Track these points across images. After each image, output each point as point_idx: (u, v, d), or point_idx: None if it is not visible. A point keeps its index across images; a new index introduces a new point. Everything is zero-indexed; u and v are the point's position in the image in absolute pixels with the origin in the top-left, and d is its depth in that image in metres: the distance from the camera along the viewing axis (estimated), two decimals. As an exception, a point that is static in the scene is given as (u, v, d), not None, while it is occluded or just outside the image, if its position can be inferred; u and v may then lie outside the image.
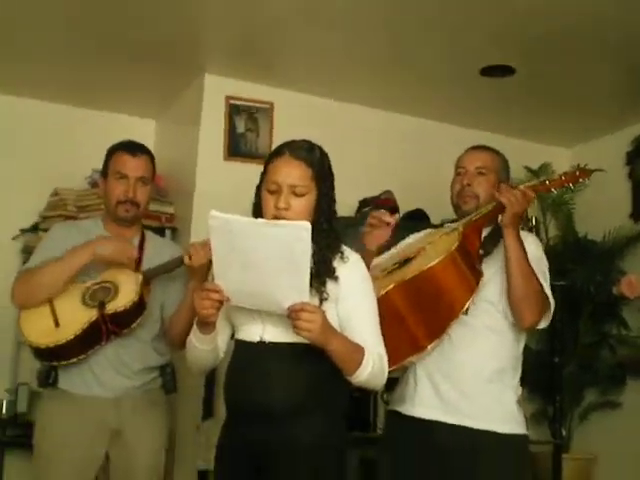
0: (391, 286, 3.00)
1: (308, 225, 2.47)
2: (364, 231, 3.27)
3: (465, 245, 3.08)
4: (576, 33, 4.52)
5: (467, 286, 3.03)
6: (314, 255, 2.63)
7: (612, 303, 5.65)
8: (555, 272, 3.40)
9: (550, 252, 3.92)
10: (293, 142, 2.80)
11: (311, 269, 2.56)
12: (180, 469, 4.95)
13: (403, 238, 3.49)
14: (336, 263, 2.76)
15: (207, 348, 2.82)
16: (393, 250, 3.42)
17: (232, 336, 2.93)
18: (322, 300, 2.69)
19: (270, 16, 4.54)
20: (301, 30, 4.71)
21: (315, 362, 2.66)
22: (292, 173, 2.72)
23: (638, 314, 5.59)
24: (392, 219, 3.27)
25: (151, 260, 3.57)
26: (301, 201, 2.72)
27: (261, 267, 2.54)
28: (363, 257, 2.92)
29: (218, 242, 2.58)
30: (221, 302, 2.63)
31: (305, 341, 2.59)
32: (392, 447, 3.30)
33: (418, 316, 2.99)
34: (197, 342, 2.81)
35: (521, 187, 3.16)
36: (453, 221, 3.34)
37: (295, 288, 2.54)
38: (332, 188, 2.83)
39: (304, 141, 2.81)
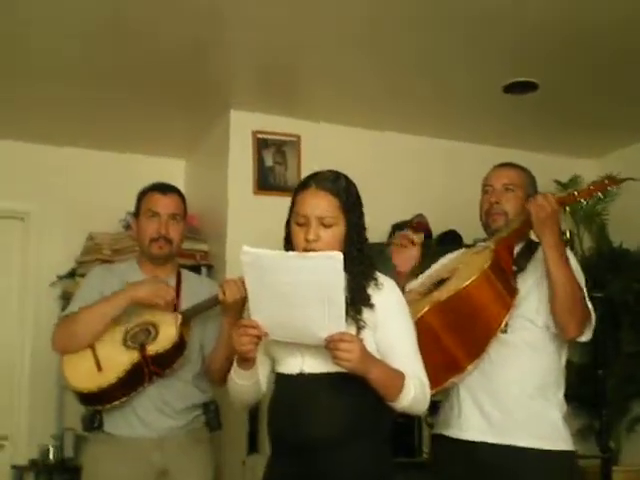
0: (426, 308, 3.00)
1: (339, 255, 2.48)
2: (392, 251, 3.27)
3: (498, 262, 3.08)
4: (597, 43, 4.50)
5: (503, 303, 3.03)
6: (348, 284, 2.64)
7: (652, 312, 5.60)
8: (592, 284, 3.38)
9: (586, 264, 3.90)
10: (318, 173, 2.81)
11: (346, 298, 2.56)
12: (228, 505, 4.96)
13: (436, 261, 3.49)
14: (371, 290, 2.76)
15: (248, 383, 2.83)
16: (427, 273, 3.43)
17: (272, 370, 2.94)
18: (359, 328, 2.68)
19: (292, 49, 4.58)
20: (324, 61, 4.74)
21: (357, 391, 2.65)
22: (319, 205, 2.73)
23: (679, 321, 5.54)
24: (416, 237, 3.27)
25: (189, 299, 3.58)
26: (330, 232, 2.72)
27: (296, 300, 2.55)
28: (397, 282, 2.92)
29: (252, 277, 2.60)
30: (259, 337, 2.64)
31: (345, 370, 2.61)
32: (440, 470, 3.30)
33: (456, 337, 2.99)
34: (238, 378, 2.82)
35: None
36: (485, 240, 3.34)
37: (331, 318, 2.54)
38: (361, 216, 2.84)
39: (329, 171, 2.82)
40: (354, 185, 2.83)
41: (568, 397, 3.27)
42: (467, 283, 3.01)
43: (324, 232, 2.71)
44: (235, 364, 2.79)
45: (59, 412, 5.58)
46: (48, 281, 5.74)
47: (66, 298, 5.29)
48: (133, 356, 3.39)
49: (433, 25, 4.29)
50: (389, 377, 2.66)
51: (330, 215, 2.72)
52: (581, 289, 3.09)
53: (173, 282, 3.66)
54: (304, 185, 2.80)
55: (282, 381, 2.82)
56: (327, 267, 2.48)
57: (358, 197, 2.83)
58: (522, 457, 3.07)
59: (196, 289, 3.65)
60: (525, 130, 5.77)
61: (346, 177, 2.82)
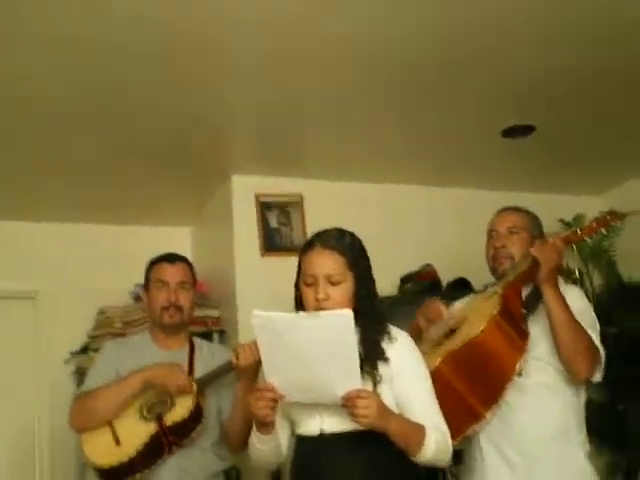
0: (439, 360, 3.00)
1: (349, 312, 2.49)
2: (419, 322, 3.25)
3: (507, 307, 3.08)
4: (592, 84, 4.53)
5: (515, 348, 3.02)
6: (361, 339, 2.65)
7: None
8: (605, 320, 3.38)
9: (597, 301, 3.90)
10: (322, 232, 2.84)
11: (360, 354, 2.57)
12: None
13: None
14: (385, 344, 2.76)
15: (269, 447, 2.82)
16: (439, 322, 3.42)
17: (293, 432, 2.92)
18: (375, 383, 2.68)
19: (289, 110, 4.59)
20: (319, 119, 4.77)
21: (378, 447, 2.65)
22: (325, 264, 2.75)
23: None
24: (446, 311, 3.25)
25: (203, 367, 3.58)
26: (339, 289, 2.74)
27: (310, 360, 2.55)
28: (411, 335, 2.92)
29: (264, 340, 2.60)
30: (276, 400, 2.64)
31: (365, 428, 2.59)
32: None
33: (471, 385, 2.99)
34: (258, 443, 2.81)
35: (550, 240, 3.15)
36: (493, 285, 3.34)
37: (346, 376, 2.54)
38: (369, 270, 2.85)
39: (333, 229, 2.85)
40: (359, 240, 2.85)
41: (590, 434, 3.24)
42: (478, 331, 3.01)
43: (333, 290, 2.73)
44: (255, 429, 2.78)
45: (80, 490, 5.53)
46: (62, 358, 5.73)
47: (80, 373, 5.29)
48: (151, 428, 3.39)
49: (433, 71, 4.29)
50: (409, 430, 2.66)
51: (337, 272, 2.74)
52: (585, 330, 3.09)
53: (186, 351, 3.66)
54: (309, 245, 2.82)
55: (302, 443, 2.82)
56: (338, 325, 2.49)
57: (364, 251, 2.85)
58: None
59: (209, 356, 3.66)
60: (526, 172, 5.79)
61: (351, 233, 2.85)
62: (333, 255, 2.76)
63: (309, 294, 2.76)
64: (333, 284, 2.74)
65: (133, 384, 3.44)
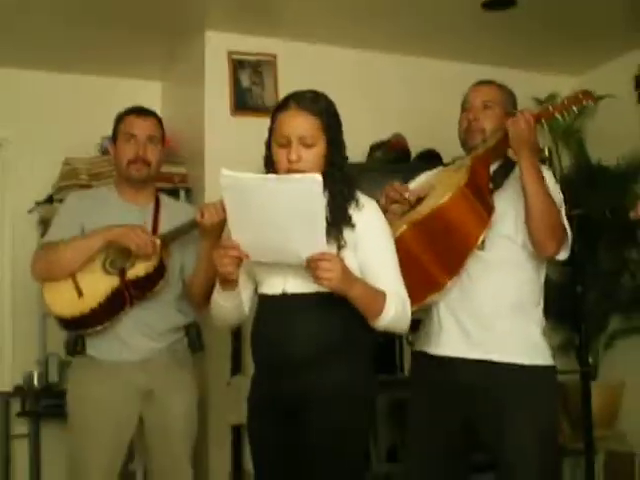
0: (404, 227, 3.01)
1: (319, 177, 2.49)
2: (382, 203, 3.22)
3: (475, 180, 3.08)
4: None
5: (480, 220, 3.03)
6: (329, 204, 2.66)
7: (630, 228, 5.61)
8: (570, 202, 3.39)
9: (564, 181, 3.91)
10: (297, 93, 2.81)
11: (327, 218, 2.59)
12: (213, 425, 5.02)
13: (414, 178, 3.49)
14: (352, 210, 2.78)
15: (231, 305, 2.85)
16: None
17: (255, 291, 2.95)
18: (340, 248, 2.71)
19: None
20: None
21: (339, 310, 2.69)
22: (300, 125, 2.73)
23: (657, 237, 5.57)
24: (410, 194, 3.23)
25: (168, 223, 3.58)
26: (311, 151, 2.73)
27: (276, 221, 2.56)
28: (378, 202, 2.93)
29: (231, 200, 2.60)
30: (240, 259, 2.65)
31: (327, 290, 2.62)
32: (420, 386, 3.34)
33: (434, 254, 3.01)
34: (221, 300, 2.83)
35: (521, 113, 3.12)
36: (462, 158, 3.33)
37: (312, 239, 2.56)
38: (341, 135, 2.85)
39: (309, 91, 2.82)
40: (333, 104, 2.84)
41: (547, 313, 3.30)
42: (443, 201, 3.01)
43: (305, 152, 2.72)
44: (218, 286, 2.81)
45: (42, 338, 5.57)
46: (26, 207, 5.70)
47: (44, 223, 5.27)
48: (113, 281, 3.42)
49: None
50: (370, 295, 2.70)
51: (311, 135, 2.73)
52: (557, 208, 3.10)
53: (151, 207, 3.67)
54: (284, 105, 2.80)
55: (265, 302, 2.85)
56: (306, 189, 2.49)
57: (337, 116, 2.84)
58: (501, 372, 3.11)
59: (175, 214, 3.66)
60: (504, 47, 5.72)
61: (326, 96, 2.84)
62: (308, 117, 2.74)
63: (281, 155, 2.75)
64: (306, 146, 2.73)
65: (96, 242, 3.45)
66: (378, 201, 3.00)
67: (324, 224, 2.55)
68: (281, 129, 2.75)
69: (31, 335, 5.61)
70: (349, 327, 2.75)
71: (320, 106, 2.77)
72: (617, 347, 5.77)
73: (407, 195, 3.19)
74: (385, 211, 3.02)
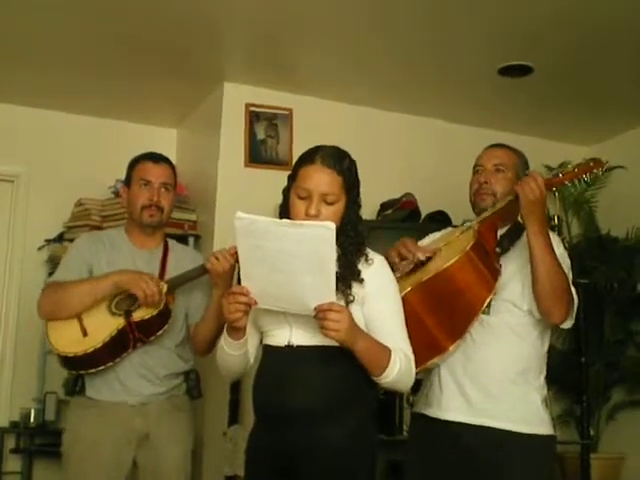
0: (408, 289, 2.99)
1: (332, 225, 2.49)
2: (390, 257, 3.21)
3: (481, 243, 3.07)
4: (594, 33, 4.52)
5: (485, 284, 3.02)
6: (339, 259, 2.66)
7: (636, 300, 5.61)
8: (578, 271, 3.39)
9: (573, 251, 3.92)
10: (324, 148, 2.81)
11: (336, 273, 2.58)
12: (208, 475, 4.99)
13: (421, 239, 3.49)
14: (361, 265, 2.78)
15: (238, 353, 2.83)
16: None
17: (261, 342, 2.94)
18: (348, 302, 2.70)
19: (287, 21, 4.56)
20: (317, 36, 4.74)
21: (343, 364, 2.68)
22: (324, 182, 2.73)
23: (664, 311, 5.56)
24: (421, 254, 3.21)
25: (175, 269, 3.60)
26: (331, 209, 2.74)
27: (287, 268, 2.55)
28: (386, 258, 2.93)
29: (244, 243, 2.60)
30: (249, 305, 2.65)
31: (332, 344, 2.62)
32: (418, 449, 3.30)
33: (438, 317, 2.99)
34: (228, 348, 2.82)
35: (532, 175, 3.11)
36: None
37: (321, 288, 2.55)
38: (359, 194, 2.86)
39: (334, 148, 2.83)
40: (355, 164, 2.85)
41: (550, 382, 3.28)
42: (449, 264, 3.00)
43: (325, 209, 2.73)
44: (225, 333, 2.80)
45: (41, 376, 5.58)
46: (36, 245, 5.73)
47: (53, 262, 5.30)
48: (118, 322, 3.43)
49: (433, 4, 4.26)
50: (376, 350, 2.68)
51: (333, 193, 2.74)
52: (565, 275, 3.09)
53: (160, 252, 3.68)
54: (310, 159, 2.79)
55: (269, 353, 2.83)
56: (320, 236, 2.49)
57: (357, 176, 2.85)
58: (500, 440, 3.08)
59: (182, 259, 3.68)
60: (519, 113, 5.78)
61: (349, 155, 2.84)
62: (332, 175, 2.74)
63: (300, 207, 2.75)
64: (327, 203, 2.73)
65: (105, 286, 3.45)
66: (387, 256, 3.00)
67: (334, 274, 2.55)
68: (304, 182, 2.75)
69: (31, 372, 5.62)
70: (353, 382, 2.73)
71: (344, 165, 2.78)
72: (619, 420, 5.73)
73: (419, 255, 3.18)
74: (392, 265, 3.01)
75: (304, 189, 2.75)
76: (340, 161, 2.78)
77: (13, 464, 5.53)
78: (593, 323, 5.58)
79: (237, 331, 2.75)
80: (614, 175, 4.67)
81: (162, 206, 3.64)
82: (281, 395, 2.73)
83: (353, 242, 2.78)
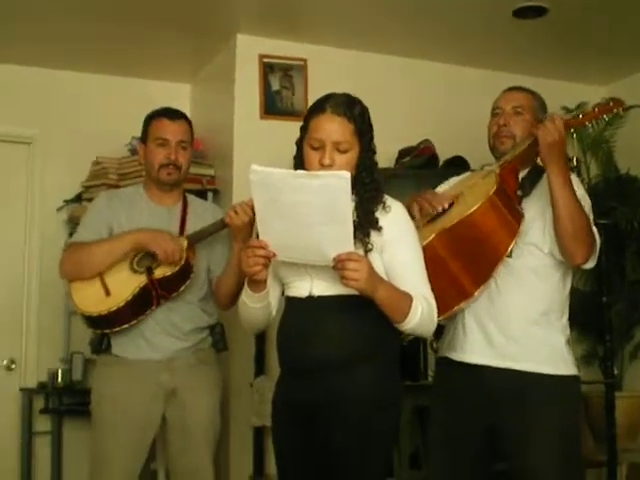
0: (432, 236, 2.99)
1: (347, 174, 2.48)
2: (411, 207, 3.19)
3: (504, 188, 3.07)
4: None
5: (509, 229, 3.02)
6: (357, 207, 2.66)
7: (657, 239, 5.60)
8: (598, 211, 3.37)
9: (592, 191, 3.89)
10: (333, 96, 2.80)
11: (354, 221, 2.58)
12: (235, 427, 5.03)
13: (442, 184, 3.48)
14: (379, 213, 2.78)
15: (259, 306, 2.85)
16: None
17: (282, 294, 2.95)
18: (367, 251, 2.71)
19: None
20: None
21: (365, 313, 2.70)
22: (335, 130, 2.73)
23: (685, 248, 5.54)
24: (445, 205, 3.20)
25: (195, 224, 3.61)
26: (344, 157, 2.74)
27: (304, 219, 2.55)
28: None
29: (260, 197, 2.60)
30: (268, 258, 2.65)
31: (354, 293, 2.63)
32: (443, 393, 3.33)
33: (462, 263, 3.00)
34: (249, 301, 2.83)
35: (550, 117, 3.09)
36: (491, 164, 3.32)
37: (340, 238, 2.55)
38: (372, 141, 2.85)
39: (344, 95, 2.82)
40: (367, 110, 2.84)
41: (572, 323, 3.29)
42: (473, 210, 3.00)
43: (339, 157, 2.73)
44: (246, 287, 2.81)
45: (67, 336, 5.62)
46: (55, 206, 5.74)
47: (73, 222, 5.31)
48: (140, 280, 3.45)
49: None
50: (397, 298, 2.69)
51: (345, 140, 2.74)
52: (587, 216, 3.08)
53: (179, 208, 3.69)
54: (320, 108, 2.79)
55: (291, 304, 2.85)
56: (336, 186, 2.49)
57: (370, 122, 2.84)
58: (525, 381, 3.10)
59: (202, 214, 3.69)
60: (534, 55, 5.71)
61: (360, 102, 2.83)
62: (343, 122, 2.74)
63: (314, 157, 2.75)
64: (340, 151, 2.73)
65: (125, 245, 3.49)
66: (407, 208, 2.99)
67: (352, 223, 2.55)
68: (316, 132, 2.75)
69: (57, 333, 5.65)
70: (376, 329, 2.74)
71: (355, 111, 2.77)
72: (642, 358, 5.74)
73: (440, 209, 3.18)
74: (412, 217, 3.01)
75: (316, 139, 2.75)
76: (351, 108, 2.77)
77: (43, 424, 5.58)
78: (614, 263, 5.55)
79: (258, 284, 2.76)
80: (631, 114, 4.63)
81: (180, 164, 3.64)
82: (304, 346, 2.75)
83: (369, 189, 2.78)
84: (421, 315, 2.70)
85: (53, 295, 5.52)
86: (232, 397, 4.98)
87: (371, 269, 2.60)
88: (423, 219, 3.17)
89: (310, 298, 2.77)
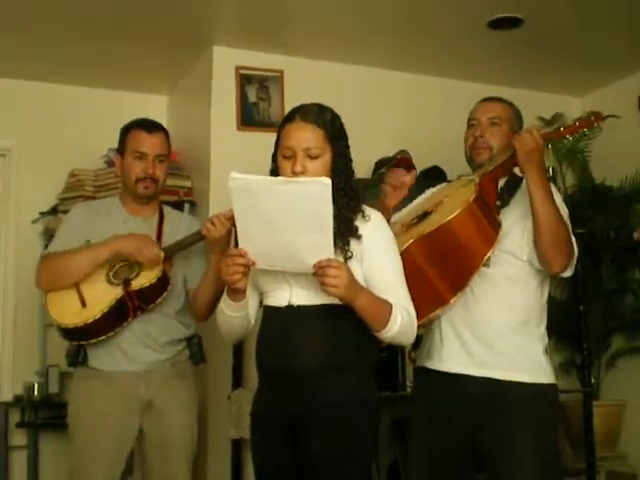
0: (410, 241, 3.00)
1: (328, 180, 2.49)
2: (385, 191, 3.23)
3: (483, 196, 3.07)
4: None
5: (486, 237, 3.03)
6: (335, 215, 2.65)
7: (633, 248, 5.62)
8: (574, 220, 3.39)
9: (568, 201, 3.90)
10: (303, 106, 2.83)
11: (334, 229, 2.58)
12: (213, 439, 5.01)
13: (420, 194, 3.49)
14: (358, 222, 2.79)
15: (238, 315, 2.84)
16: (411, 206, 3.44)
17: (261, 303, 2.95)
18: (347, 259, 2.71)
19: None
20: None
21: (345, 322, 2.70)
22: (304, 136, 2.74)
23: (660, 258, 5.57)
24: (410, 176, 3.24)
25: (171, 236, 3.60)
26: (316, 163, 2.74)
27: (284, 226, 2.55)
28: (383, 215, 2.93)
29: (240, 204, 2.59)
30: (247, 266, 2.65)
31: (333, 302, 2.64)
32: (422, 403, 3.33)
33: (439, 270, 3.00)
34: (228, 310, 2.83)
35: (529, 129, 3.11)
36: (469, 175, 3.33)
37: (319, 245, 2.55)
38: (347, 148, 2.85)
39: (314, 104, 2.84)
40: (339, 117, 2.85)
41: (550, 332, 3.29)
42: (451, 217, 3.00)
43: (310, 164, 2.73)
44: (225, 296, 2.81)
45: (43, 349, 5.59)
46: (30, 218, 5.71)
47: (48, 234, 5.28)
48: (117, 292, 3.43)
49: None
50: (376, 306, 2.70)
51: (316, 146, 2.74)
52: (566, 224, 3.10)
53: (156, 220, 3.68)
54: (289, 118, 2.81)
55: (270, 314, 2.85)
56: (316, 192, 2.49)
57: (343, 129, 2.85)
58: (503, 389, 3.10)
59: (178, 226, 3.68)
60: (510, 66, 5.74)
61: (331, 110, 2.85)
62: (313, 129, 2.75)
63: (286, 166, 2.75)
64: (311, 158, 2.74)
65: (102, 253, 3.46)
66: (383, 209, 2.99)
67: (332, 230, 2.55)
68: (286, 141, 2.77)
69: (32, 346, 5.62)
70: (355, 340, 2.74)
71: (325, 118, 2.79)
72: (619, 367, 5.77)
73: (406, 180, 3.17)
74: (388, 221, 3.02)
75: (287, 148, 2.76)
76: (319, 115, 2.79)
77: (19, 438, 5.54)
78: (590, 272, 5.59)
79: (237, 293, 2.76)
80: (607, 125, 4.63)
81: (157, 178, 3.63)
82: (284, 356, 2.75)
83: (343, 195, 2.78)
84: (400, 324, 2.70)
85: (29, 308, 5.49)
86: (210, 410, 4.96)
87: (351, 276, 2.60)
88: (402, 226, 3.18)
89: (290, 307, 2.77)
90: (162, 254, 3.46)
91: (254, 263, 2.65)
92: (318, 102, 2.87)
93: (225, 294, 2.81)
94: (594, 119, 3.18)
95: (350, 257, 2.72)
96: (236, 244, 2.71)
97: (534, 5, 4.84)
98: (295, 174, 2.71)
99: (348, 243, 2.73)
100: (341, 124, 2.85)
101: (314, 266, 2.57)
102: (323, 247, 2.55)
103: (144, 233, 3.56)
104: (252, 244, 2.63)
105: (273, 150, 2.86)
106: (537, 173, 3.03)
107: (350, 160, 2.86)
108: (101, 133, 5.09)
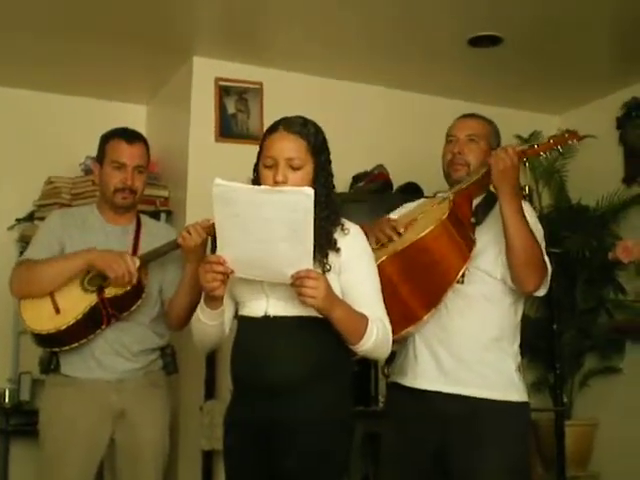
0: (384, 258, 3.01)
1: (311, 191, 2.50)
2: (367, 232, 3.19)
3: (456, 214, 3.09)
4: (562, 2, 4.52)
5: (460, 254, 3.04)
6: (315, 227, 2.65)
7: (608, 268, 5.65)
8: (550, 240, 3.41)
9: (544, 220, 3.92)
10: (287, 118, 2.84)
11: (313, 242, 2.59)
12: (184, 450, 4.99)
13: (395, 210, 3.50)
14: (337, 235, 2.80)
15: (214, 323, 2.83)
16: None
17: (236, 314, 2.95)
18: (325, 271, 2.72)
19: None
20: (288, 7, 4.70)
21: (320, 334, 2.71)
22: (287, 147, 2.75)
23: (634, 279, 5.59)
24: (401, 231, 3.20)
25: (149, 244, 3.58)
26: (298, 174, 2.75)
27: (265, 235, 2.56)
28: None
29: (221, 211, 2.59)
30: (226, 274, 2.65)
31: (310, 314, 2.64)
32: (394, 419, 3.33)
33: (412, 287, 3.01)
34: (204, 318, 2.82)
35: (504, 147, 3.13)
36: (445, 191, 3.34)
37: (299, 256, 2.56)
38: (328, 162, 2.86)
39: (298, 117, 2.85)
40: (322, 131, 2.87)
41: (523, 350, 3.30)
42: (424, 233, 3.02)
43: (292, 174, 2.74)
44: (202, 303, 2.80)
45: (15, 356, 5.55)
46: (6, 224, 5.68)
47: (24, 241, 5.25)
48: (91, 299, 3.42)
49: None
50: (353, 319, 2.70)
51: (298, 157, 2.75)
52: (539, 244, 3.11)
53: (133, 229, 3.67)
54: (273, 129, 2.83)
55: (246, 324, 2.84)
56: (298, 202, 2.50)
57: (325, 143, 2.87)
58: (474, 407, 3.11)
59: (155, 234, 3.68)
60: (488, 84, 5.77)
61: (314, 123, 2.86)
62: (296, 140, 2.77)
63: (268, 176, 2.76)
64: (293, 168, 2.74)
65: (77, 264, 3.45)
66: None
67: (312, 241, 2.55)
68: (269, 150, 2.77)
69: (5, 353, 5.57)
70: (330, 352, 2.75)
71: (309, 130, 2.80)
72: (592, 386, 5.78)
73: (395, 238, 3.18)
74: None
75: (269, 157, 2.77)
76: (303, 127, 2.81)
77: (-11, 445, 5.51)
78: (565, 291, 5.62)
79: (215, 300, 2.75)
80: (584, 145, 4.67)
81: (136, 189, 3.62)
82: (259, 367, 2.74)
83: (324, 207, 2.78)
84: (376, 337, 2.71)
85: (2, 315, 5.45)
86: (182, 420, 4.95)
87: (329, 288, 2.61)
88: (377, 243, 3.18)
89: (266, 318, 2.77)
90: (138, 262, 3.44)
91: (232, 271, 2.65)
92: (301, 115, 2.88)
93: (202, 301, 2.81)
94: (568, 137, 3.20)
95: (328, 270, 2.73)
96: (214, 251, 2.71)
97: (513, 24, 4.86)
98: (277, 183, 2.71)
99: (327, 256, 2.74)
100: (324, 138, 2.86)
101: (292, 276, 2.57)
102: (302, 258, 2.56)
103: (121, 241, 3.57)
104: (231, 252, 2.63)
105: (255, 161, 2.87)
106: (510, 192, 3.05)
107: (331, 175, 2.87)
108: (79, 141, 5.10)
